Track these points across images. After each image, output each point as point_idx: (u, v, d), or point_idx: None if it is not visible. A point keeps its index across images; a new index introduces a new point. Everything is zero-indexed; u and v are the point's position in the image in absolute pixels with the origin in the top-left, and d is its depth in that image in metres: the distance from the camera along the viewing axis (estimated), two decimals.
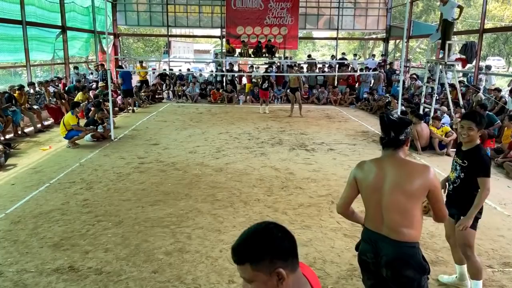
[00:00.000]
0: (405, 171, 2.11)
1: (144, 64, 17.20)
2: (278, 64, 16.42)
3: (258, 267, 1.18)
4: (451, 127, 8.13)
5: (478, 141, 2.99)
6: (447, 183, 3.21)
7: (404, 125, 2.17)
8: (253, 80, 15.42)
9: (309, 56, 20.05)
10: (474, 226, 3.03)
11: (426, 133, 7.93)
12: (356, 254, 2.36)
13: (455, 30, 9.19)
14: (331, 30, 19.01)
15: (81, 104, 9.66)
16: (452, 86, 10.33)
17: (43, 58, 13.96)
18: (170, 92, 15.84)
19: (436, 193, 2.11)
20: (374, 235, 2.20)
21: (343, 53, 19.11)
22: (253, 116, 11.89)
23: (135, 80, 16.04)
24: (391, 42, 19.40)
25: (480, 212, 3.01)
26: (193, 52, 43.61)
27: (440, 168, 6.87)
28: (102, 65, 14.73)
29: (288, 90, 12.37)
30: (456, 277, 3.41)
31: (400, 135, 2.15)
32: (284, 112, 12.69)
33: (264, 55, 16.29)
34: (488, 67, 13.05)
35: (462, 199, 3.03)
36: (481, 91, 10.35)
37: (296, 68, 14.40)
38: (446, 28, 8.37)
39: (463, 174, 3.00)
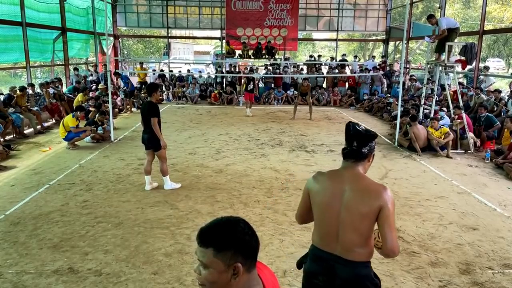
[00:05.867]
0: (361, 189, 1.99)
1: (144, 66, 17.14)
2: (282, 65, 16.38)
3: (220, 255, 1.19)
4: (450, 128, 8.14)
5: (153, 100, 5.47)
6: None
7: (369, 138, 2.05)
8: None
9: (310, 56, 20.02)
10: (161, 147, 5.46)
11: (423, 133, 7.95)
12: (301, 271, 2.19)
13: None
14: (331, 31, 19.06)
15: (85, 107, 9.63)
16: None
17: (43, 60, 13.93)
18: (170, 93, 15.83)
19: (386, 214, 1.94)
20: (326, 255, 2.04)
21: (344, 55, 19.10)
22: (253, 117, 11.89)
23: (134, 82, 16.05)
24: (391, 44, 19.41)
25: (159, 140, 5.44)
26: (193, 54, 43.66)
27: (440, 169, 6.88)
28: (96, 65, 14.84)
29: (297, 94, 12.35)
30: (148, 184, 5.65)
31: (364, 147, 2.04)
32: (283, 113, 12.70)
33: (264, 56, 16.30)
34: (487, 68, 13.07)
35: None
36: (484, 92, 10.36)
37: (307, 82, 13.16)
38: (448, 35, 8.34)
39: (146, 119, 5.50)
